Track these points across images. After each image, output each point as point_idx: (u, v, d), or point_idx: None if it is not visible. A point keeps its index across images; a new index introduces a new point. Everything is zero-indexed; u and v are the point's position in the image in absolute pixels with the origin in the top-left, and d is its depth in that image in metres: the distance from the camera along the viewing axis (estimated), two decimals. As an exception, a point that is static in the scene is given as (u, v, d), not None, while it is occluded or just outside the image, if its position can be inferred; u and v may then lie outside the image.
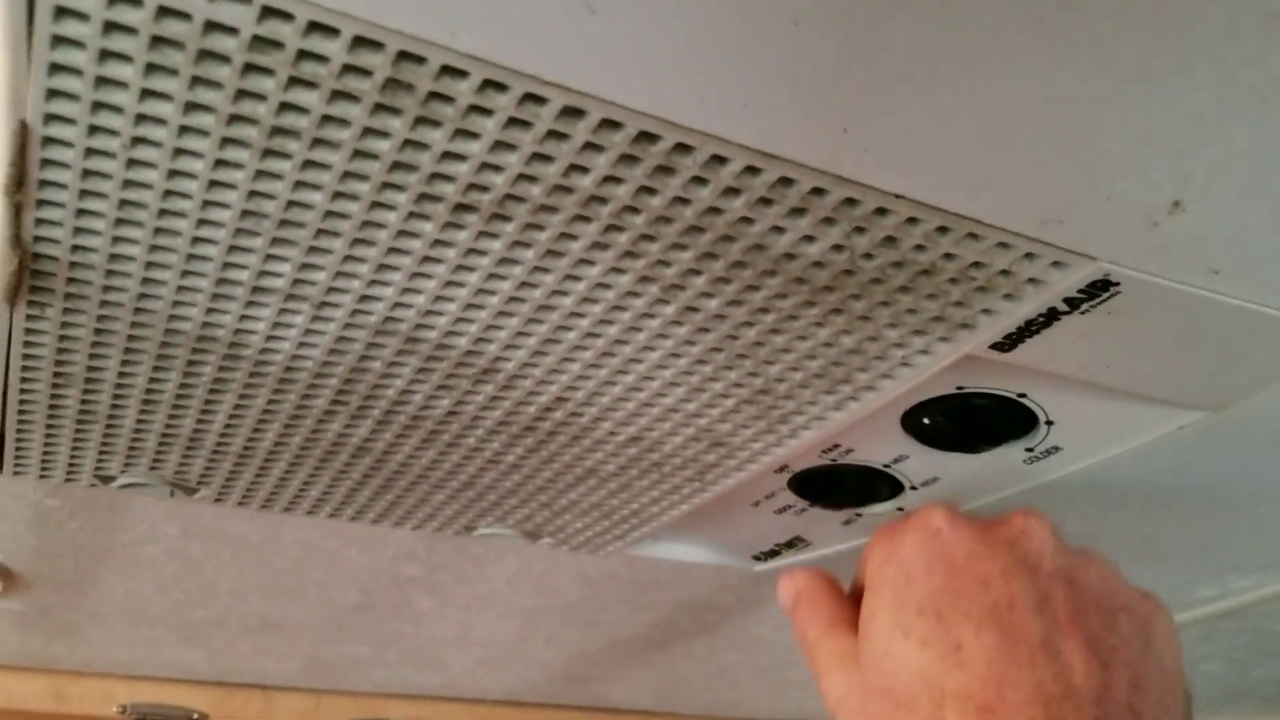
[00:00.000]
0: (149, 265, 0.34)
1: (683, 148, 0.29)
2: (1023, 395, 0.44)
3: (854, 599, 0.37)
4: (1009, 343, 0.38)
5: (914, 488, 0.53)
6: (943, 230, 0.32)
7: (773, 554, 0.62)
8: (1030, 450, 0.47)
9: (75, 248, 0.33)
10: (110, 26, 0.26)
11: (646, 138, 0.29)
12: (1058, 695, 0.32)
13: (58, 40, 0.26)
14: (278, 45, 0.26)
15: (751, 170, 0.30)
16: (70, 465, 0.48)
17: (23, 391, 0.41)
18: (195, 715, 1.07)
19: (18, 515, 0.72)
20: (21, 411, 0.43)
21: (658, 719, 1.34)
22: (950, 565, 0.34)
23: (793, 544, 0.60)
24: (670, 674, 1.19)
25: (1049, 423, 0.45)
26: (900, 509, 0.55)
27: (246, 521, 0.74)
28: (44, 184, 0.31)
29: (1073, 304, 0.35)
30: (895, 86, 0.27)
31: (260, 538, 0.76)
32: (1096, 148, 0.29)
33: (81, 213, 0.32)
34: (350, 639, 1.00)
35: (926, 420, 0.46)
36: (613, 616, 0.97)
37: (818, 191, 0.31)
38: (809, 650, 0.37)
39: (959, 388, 0.43)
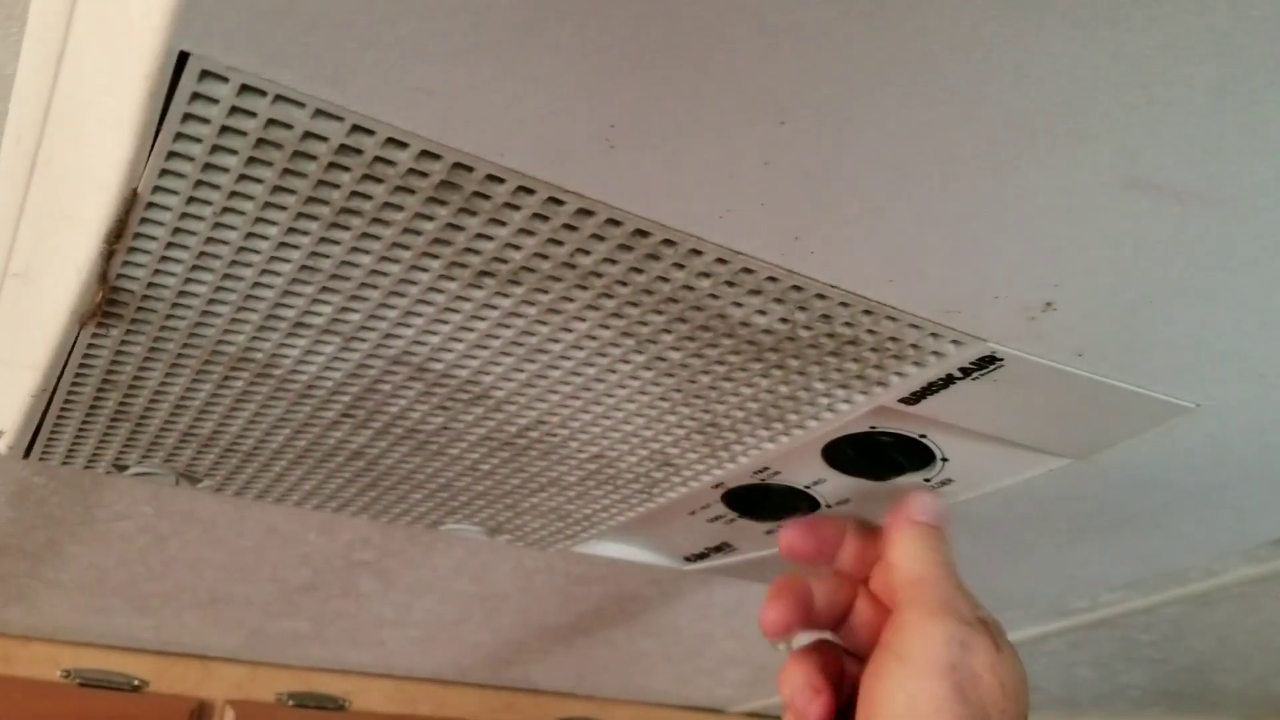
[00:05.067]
0: (210, 301, 0.41)
1: (668, 243, 0.37)
2: (923, 436, 0.52)
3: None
4: (914, 398, 0.46)
5: (829, 505, 0.61)
6: (868, 312, 0.40)
7: (702, 556, 0.70)
8: (927, 480, 0.56)
9: (150, 284, 0.40)
10: (226, 130, 0.33)
11: (640, 234, 0.37)
12: None
13: (180, 136, 0.33)
14: (358, 151, 0.33)
15: (721, 261, 0.38)
16: (93, 456, 0.54)
17: (69, 394, 0.47)
18: (136, 681, 1.12)
19: (0, 490, 0.77)
20: (63, 409, 0.49)
21: (573, 700, 1.42)
22: None
23: (720, 548, 0.68)
24: (589, 659, 1.26)
25: (944, 459, 0.54)
26: (816, 522, 0.63)
27: (218, 504, 0.80)
28: (138, 236, 0.37)
29: (966, 372, 0.44)
30: (839, 207, 0.35)
31: (228, 519, 0.82)
32: (990, 260, 0.38)
33: (163, 259, 0.38)
34: (294, 615, 1.05)
35: (843, 452, 0.54)
36: (544, 605, 1.04)
37: (772, 279, 0.39)
38: None
39: (872, 427, 0.51)
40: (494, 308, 0.41)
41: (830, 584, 0.49)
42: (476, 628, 1.11)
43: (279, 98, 0.31)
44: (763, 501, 0.61)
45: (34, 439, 0.52)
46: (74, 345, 0.43)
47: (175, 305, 0.41)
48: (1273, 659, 1.07)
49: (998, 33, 0.29)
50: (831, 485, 0.58)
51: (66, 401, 0.48)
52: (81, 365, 0.45)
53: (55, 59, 0.38)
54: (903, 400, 0.46)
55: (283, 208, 0.36)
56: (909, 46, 0.29)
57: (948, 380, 0.44)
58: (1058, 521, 0.61)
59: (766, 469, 0.56)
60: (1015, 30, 0.29)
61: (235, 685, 1.18)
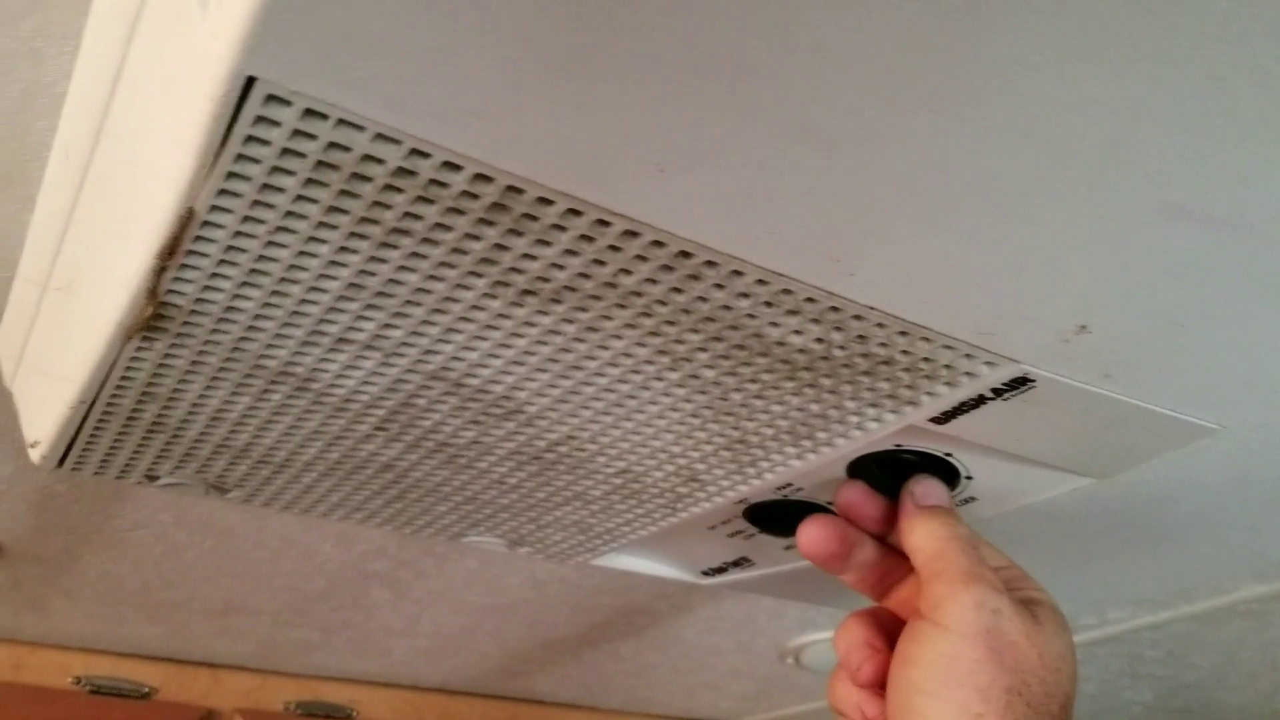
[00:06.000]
0: (256, 317, 0.41)
1: (711, 264, 0.38)
2: (949, 454, 0.53)
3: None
4: (944, 418, 0.47)
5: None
6: (904, 333, 0.41)
7: (720, 570, 0.71)
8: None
9: (199, 300, 0.40)
10: (286, 152, 0.33)
11: (684, 255, 0.37)
12: None
13: (240, 157, 0.33)
14: (413, 174, 0.34)
15: (761, 282, 0.39)
16: (126, 466, 0.54)
17: (108, 405, 0.48)
18: (145, 689, 1.12)
19: (21, 497, 0.77)
20: (100, 420, 0.49)
21: (577, 711, 1.42)
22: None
23: (739, 563, 0.69)
24: (595, 670, 1.26)
25: (968, 478, 0.54)
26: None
27: (236, 513, 0.80)
28: (190, 253, 0.38)
29: (998, 393, 0.44)
30: (880, 231, 0.36)
31: (245, 529, 0.82)
32: (1026, 283, 0.38)
33: (214, 275, 0.39)
34: (304, 625, 1.05)
35: (867, 469, 0.55)
36: (554, 616, 1.05)
37: (811, 300, 0.39)
38: None
39: (898, 445, 0.52)
40: (533, 325, 0.42)
41: (884, 548, 0.52)
42: (484, 638, 1.11)
43: (341, 121, 0.32)
44: (784, 517, 0.61)
45: (68, 450, 0.52)
46: (117, 358, 0.44)
47: (221, 320, 0.42)
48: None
49: (1047, 67, 0.30)
50: (853, 501, 0.58)
51: (104, 413, 0.49)
52: (123, 378, 0.46)
53: (112, 78, 0.38)
54: (933, 419, 0.47)
55: (335, 227, 0.36)
56: (959, 79, 0.30)
57: (979, 400, 0.45)
58: (1073, 540, 0.62)
59: (790, 485, 0.56)
60: (1064, 65, 0.30)
61: (244, 693, 1.18)
